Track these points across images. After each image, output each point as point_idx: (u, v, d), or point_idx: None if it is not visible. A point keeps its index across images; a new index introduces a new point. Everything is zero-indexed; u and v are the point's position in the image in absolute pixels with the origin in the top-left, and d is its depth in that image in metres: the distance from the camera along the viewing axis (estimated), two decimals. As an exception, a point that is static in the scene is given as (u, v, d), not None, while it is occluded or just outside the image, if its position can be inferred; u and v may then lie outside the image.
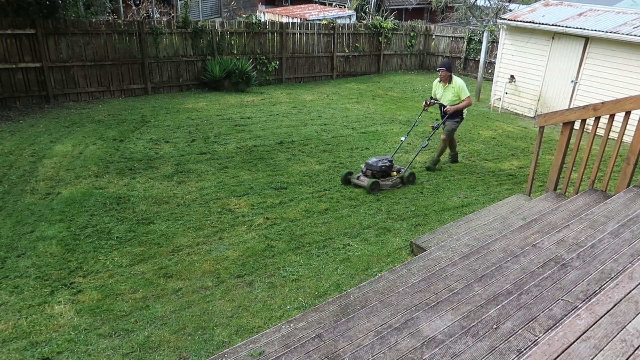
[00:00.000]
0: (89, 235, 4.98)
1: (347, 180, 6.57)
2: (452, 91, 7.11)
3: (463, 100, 7.11)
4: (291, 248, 4.92)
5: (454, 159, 7.84)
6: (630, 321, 2.17)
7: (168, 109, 10.12)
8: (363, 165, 6.67)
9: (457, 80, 7.10)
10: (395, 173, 6.64)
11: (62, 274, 4.30)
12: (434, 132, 7.08)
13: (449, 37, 16.86)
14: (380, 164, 6.48)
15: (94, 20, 10.41)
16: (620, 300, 2.31)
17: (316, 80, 14.44)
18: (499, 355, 2.22)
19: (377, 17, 16.88)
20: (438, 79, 7.24)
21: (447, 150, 7.70)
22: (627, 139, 5.32)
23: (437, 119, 8.18)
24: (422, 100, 12.59)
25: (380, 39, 15.62)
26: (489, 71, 14.75)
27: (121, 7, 17.72)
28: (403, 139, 7.01)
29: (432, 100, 7.31)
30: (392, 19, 16.98)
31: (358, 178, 6.52)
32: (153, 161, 7.10)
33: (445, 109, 7.10)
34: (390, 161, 6.60)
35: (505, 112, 12.05)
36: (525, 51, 11.53)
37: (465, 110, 7.36)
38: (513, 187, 6.82)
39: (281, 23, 13.37)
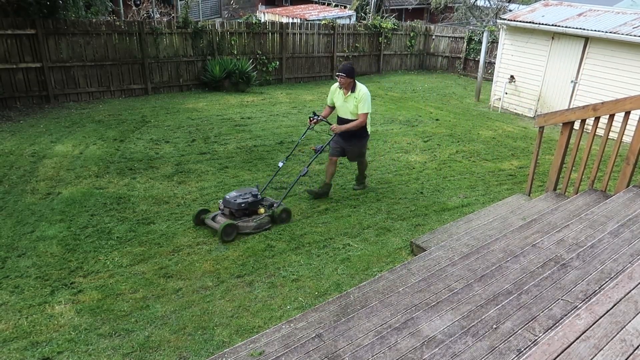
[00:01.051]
0: (90, 235, 4.99)
1: (200, 221, 5.24)
2: (354, 102, 5.70)
3: (358, 117, 5.71)
4: (291, 248, 4.93)
5: (360, 182, 6.52)
6: (629, 321, 2.17)
7: (168, 109, 10.12)
8: (220, 202, 5.30)
9: (361, 90, 5.67)
10: (263, 210, 5.29)
11: (63, 273, 4.30)
12: (317, 155, 5.69)
13: (449, 37, 16.86)
14: (239, 201, 5.14)
15: (94, 20, 10.42)
16: (620, 300, 2.32)
17: (316, 80, 14.44)
18: (498, 355, 2.23)
19: (377, 17, 16.89)
20: (337, 84, 5.83)
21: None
22: (627, 139, 5.33)
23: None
24: (423, 101, 12.71)
25: (380, 39, 15.63)
26: (489, 71, 14.76)
27: (121, 8, 17.73)
28: (280, 164, 5.69)
29: (317, 117, 5.86)
30: (392, 19, 16.99)
31: (214, 218, 5.17)
32: (153, 161, 7.11)
33: (331, 127, 5.76)
34: (256, 195, 5.28)
35: (505, 112, 12.06)
36: (525, 51, 11.54)
37: (369, 127, 6.00)
38: (513, 187, 6.82)
39: (281, 23, 13.37)
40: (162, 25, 11.14)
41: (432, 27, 17.58)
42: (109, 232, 5.07)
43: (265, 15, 19.33)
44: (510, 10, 16.44)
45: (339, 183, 6.67)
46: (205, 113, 9.92)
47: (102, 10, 12.05)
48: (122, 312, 3.84)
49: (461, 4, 23.18)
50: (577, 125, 4.87)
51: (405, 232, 5.34)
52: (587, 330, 2.11)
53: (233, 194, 5.26)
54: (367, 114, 5.71)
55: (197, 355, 3.42)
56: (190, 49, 11.69)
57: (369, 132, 6.06)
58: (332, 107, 6.05)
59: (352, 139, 5.90)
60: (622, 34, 9.30)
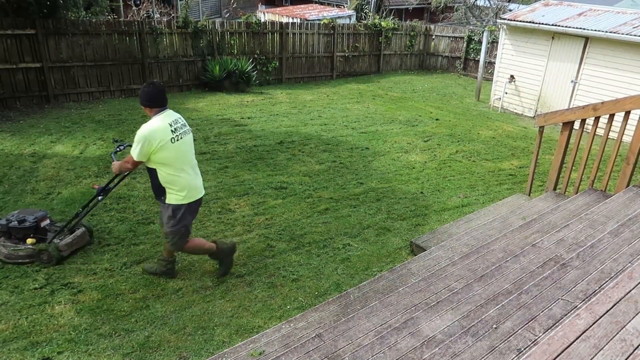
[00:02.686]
0: (89, 235, 4.98)
1: None
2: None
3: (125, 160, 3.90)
4: (291, 248, 4.93)
5: (155, 263, 4.32)
6: (629, 321, 2.17)
7: (168, 109, 10.12)
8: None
9: (144, 126, 3.72)
10: (31, 241, 4.39)
11: (63, 273, 4.30)
12: (96, 197, 4.37)
13: (449, 37, 16.86)
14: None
15: (94, 20, 10.42)
16: (620, 299, 2.32)
17: (316, 80, 14.44)
18: (498, 354, 2.23)
19: (377, 17, 16.88)
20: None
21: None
22: (627, 138, 5.32)
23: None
24: (423, 100, 12.71)
25: (380, 39, 15.62)
26: (489, 71, 14.75)
27: (121, 7, 17.73)
28: (100, 198, 4.37)
29: (117, 142, 4.69)
30: (392, 18, 16.98)
31: None
32: (153, 161, 7.10)
33: (112, 164, 4.10)
34: (23, 220, 4.40)
35: (505, 112, 12.06)
36: (525, 51, 11.54)
37: (177, 194, 3.83)
38: (513, 186, 6.82)
39: (281, 23, 13.37)
40: (162, 25, 11.14)
41: (432, 27, 17.57)
42: (109, 232, 5.06)
43: (265, 15, 19.32)
44: (510, 10, 16.43)
45: (339, 183, 6.67)
46: (205, 113, 9.92)
47: (102, 10, 12.04)
48: (122, 312, 3.84)
49: (461, 4, 23.17)
50: (577, 125, 4.87)
51: (405, 232, 5.34)
52: (587, 330, 2.11)
53: (14, 213, 4.61)
54: (133, 159, 3.81)
55: (197, 355, 3.42)
56: (190, 49, 11.69)
57: (176, 203, 3.84)
58: None
59: (157, 197, 4.04)
60: (622, 34, 9.30)
